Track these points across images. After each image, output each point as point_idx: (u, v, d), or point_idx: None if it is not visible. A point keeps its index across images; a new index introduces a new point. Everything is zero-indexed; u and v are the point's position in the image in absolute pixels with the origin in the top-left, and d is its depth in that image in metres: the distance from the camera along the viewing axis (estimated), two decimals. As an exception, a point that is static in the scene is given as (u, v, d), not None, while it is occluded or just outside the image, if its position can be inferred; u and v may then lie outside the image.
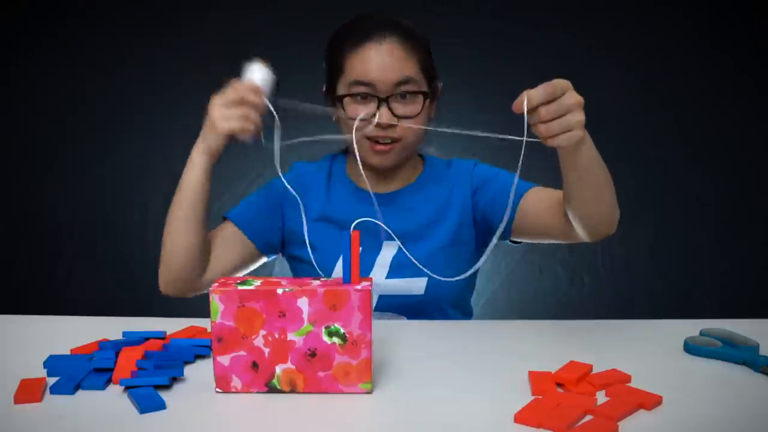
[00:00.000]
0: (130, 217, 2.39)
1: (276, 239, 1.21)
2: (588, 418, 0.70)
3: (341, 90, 1.11)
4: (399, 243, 0.97)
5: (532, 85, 0.80)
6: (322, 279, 0.79)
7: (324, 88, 1.17)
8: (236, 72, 1.01)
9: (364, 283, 0.76)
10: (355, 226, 0.78)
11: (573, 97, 0.81)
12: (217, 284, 0.76)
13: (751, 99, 2.36)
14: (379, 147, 1.11)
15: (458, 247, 1.18)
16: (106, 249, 2.41)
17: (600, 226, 0.99)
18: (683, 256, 2.35)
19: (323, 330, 0.75)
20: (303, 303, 0.75)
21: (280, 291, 0.74)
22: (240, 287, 0.75)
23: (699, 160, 2.37)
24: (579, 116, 0.82)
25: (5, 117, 2.41)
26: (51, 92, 2.39)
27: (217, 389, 0.77)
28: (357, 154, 1.07)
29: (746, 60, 2.35)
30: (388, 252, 1.16)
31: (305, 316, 0.75)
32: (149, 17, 2.39)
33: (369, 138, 1.11)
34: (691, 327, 0.95)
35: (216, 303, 0.75)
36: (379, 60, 1.07)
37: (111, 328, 0.96)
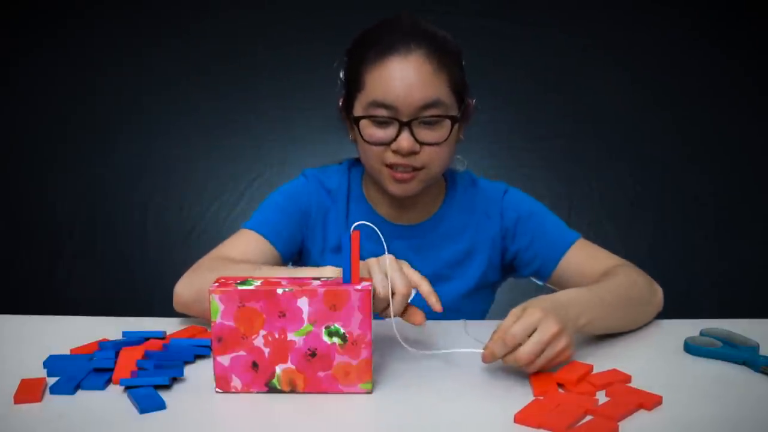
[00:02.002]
0: (130, 217, 2.39)
1: (296, 249, 1.12)
2: (588, 418, 0.70)
3: (359, 108, 1.00)
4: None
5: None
6: (322, 279, 0.79)
7: (341, 102, 1.07)
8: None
9: (364, 283, 0.77)
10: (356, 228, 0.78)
11: (549, 330, 0.76)
12: (217, 284, 0.76)
13: (749, 98, 2.36)
14: (399, 175, 1.00)
15: (483, 289, 1.12)
16: (106, 249, 2.41)
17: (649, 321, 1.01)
18: (682, 256, 2.35)
19: (323, 330, 0.75)
20: (303, 303, 0.75)
21: (280, 291, 0.74)
22: (240, 287, 0.75)
23: (697, 159, 2.36)
24: (562, 343, 0.78)
25: (5, 117, 2.41)
26: (51, 92, 2.39)
27: (217, 389, 0.77)
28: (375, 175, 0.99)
29: (745, 59, 2.35)
30: None
31: (305, 316, 0.75)
32: (148, 17, 2.38)
33: (388, 165, 1.00)
34: (691, 327, 0.95)
35: (216, 303, 0.75)
36: (404, 78, 0.95)
37: (111, 328, 0.96)
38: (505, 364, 0.79)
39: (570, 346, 0.79)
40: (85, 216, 2.41)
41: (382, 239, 0.79)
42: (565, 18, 2.34)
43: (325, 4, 2.30)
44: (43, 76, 2.39)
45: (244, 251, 1.04)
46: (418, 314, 0.81)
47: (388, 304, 0.79)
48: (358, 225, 0.78)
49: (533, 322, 0.77)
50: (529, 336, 0.77)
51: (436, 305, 0.80)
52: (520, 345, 0.76)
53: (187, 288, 0.97)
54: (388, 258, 0.80)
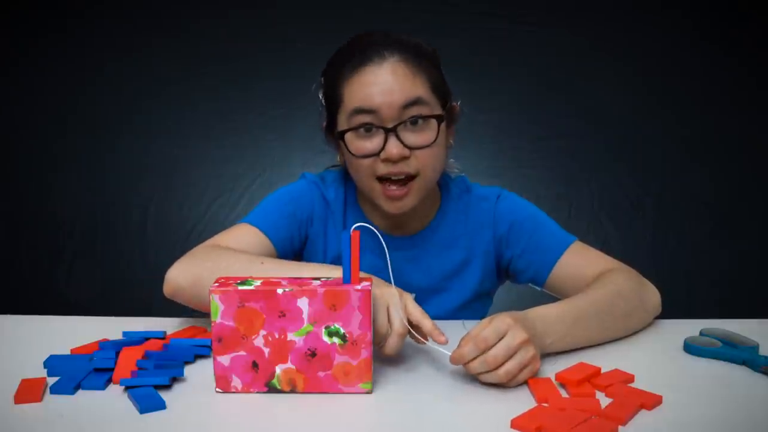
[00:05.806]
0: (130, 217, 2.39)
1: (290, 250, 1.08)
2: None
3: (342, 123, 0.98)
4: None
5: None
6: (322, 279, 0.79)
7: (324, 124, 1.05)
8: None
9: (364, 283, 0.77)
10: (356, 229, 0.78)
11: (518, 337, 0.76)
12: (217, 284, 0.76)
13: (750, 98, 2.36)
14: (393, 192, 0.97)
15: (479, 299, 1.11)
16: (106, 249, 2.41)
17: (640, 328, 0.98)
18: (682, 256, 2.35)
19: (323, 330, 0.75)
20: (303, 303, 0.75)
21: (280, 291, 0.74)
22: (240, 287, 0.75)
23: (697, 159, 2.36)
24: (532, 351, 0.77)
25: (5, 117, 2.41)
26: (51, 92, 2.39)
27: (217, 389, 0.77)
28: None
29: (745, 59, 2.35)
30: None
31: (305, 316, 0.75)
32: (148, 17, 2.39)
33: (380, 178, 0.97)
34: (691, 327, 0.95)
35: (216, 303, 0.75)
36: (382, 82, 0.93)
37: (111, 328, 0.96)
38: (470, 373, 0.78)
39: (537, 358, 0.79)
40: (85, 216, 2.41)
41: (386, 249, 0.79)
42: (565, 18, 2.34)
43: (325, 4, 2.30)
44: (43, 76, 2.39)
45: (241, 243, 1.00)
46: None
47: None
48: (359, 226, 0.78)
49: (504, 328, 0.77)
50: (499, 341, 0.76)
51: (440, 338, 0.79)
52: (489, 350, 0.76)
53: (182, 273, 0.93)
54: (394, 293, 0.80)
